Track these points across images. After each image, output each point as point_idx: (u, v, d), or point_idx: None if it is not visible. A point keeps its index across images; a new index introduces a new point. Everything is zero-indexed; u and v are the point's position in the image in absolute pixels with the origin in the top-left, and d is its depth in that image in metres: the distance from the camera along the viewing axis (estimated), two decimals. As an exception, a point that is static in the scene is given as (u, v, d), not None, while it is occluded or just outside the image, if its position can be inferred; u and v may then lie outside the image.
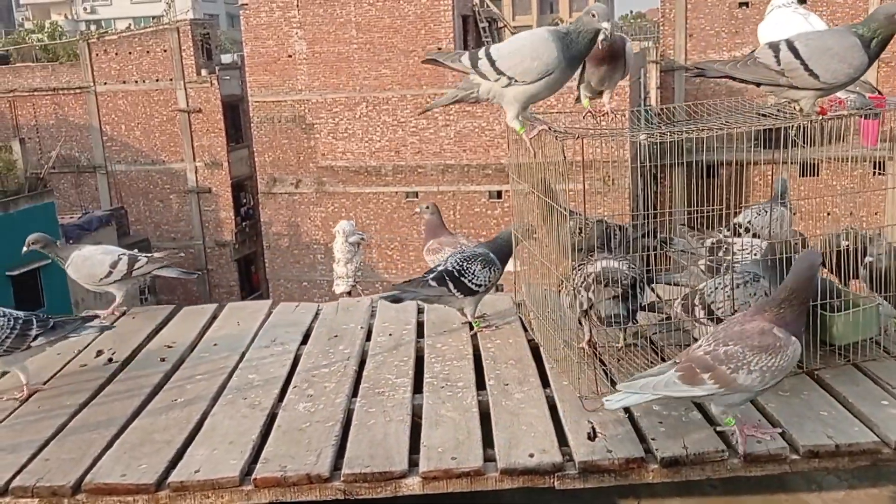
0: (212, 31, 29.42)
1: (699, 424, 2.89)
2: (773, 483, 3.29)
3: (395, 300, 3.87)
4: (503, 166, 24.68)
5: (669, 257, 4.03)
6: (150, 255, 4.59)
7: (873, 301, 3.34)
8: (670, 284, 3.71)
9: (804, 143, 3.23)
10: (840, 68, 2.86)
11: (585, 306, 3.25)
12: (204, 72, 27.44)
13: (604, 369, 3.28)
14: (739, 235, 3.86)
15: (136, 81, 27.80)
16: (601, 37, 2.95)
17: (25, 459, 2.91)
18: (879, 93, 3.63)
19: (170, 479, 2.75)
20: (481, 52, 3.17)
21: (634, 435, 2.85)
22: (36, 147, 27.00)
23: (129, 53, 27.81)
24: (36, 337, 3.47)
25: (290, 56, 25.73)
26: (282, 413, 3.20)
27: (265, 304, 4.53)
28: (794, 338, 2.59)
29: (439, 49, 24.69)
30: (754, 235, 3.89)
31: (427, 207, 4.75)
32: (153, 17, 40.02)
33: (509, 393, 3.24)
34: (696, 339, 3.37)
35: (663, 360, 3.31)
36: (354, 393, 3.37)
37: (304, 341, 4.00)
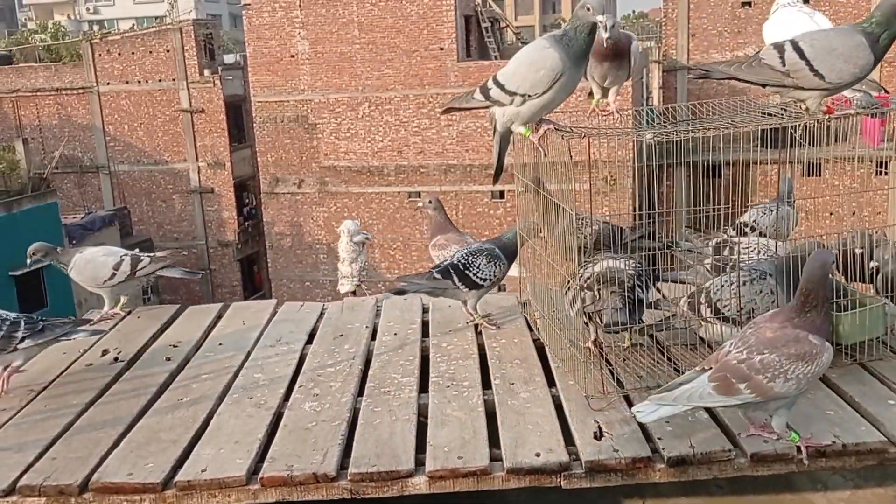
0: (214, 31, 29.43)
1: (706, 424, 2.89)
2: (779, 483, 3.28)
3: (400, 292, 3.94)
4: (506, 166, 24.66)
5: (674, 257, 4.03)
6: (152, 254, 4.58)
7: (880, 301, 3.33)
8: (676, 282, 3.71)
9: (807, 142, 3.23)
10: (845, 68, 2.85)
11: (588, 304, 3.25)
12: (207, 72, 27.45)
13: (609, 369, 3.27)
14: (745, 234, 3.86)
15: (139, 81, 27.83)
16: (605, 34, 2.94)
17: (32, 458, 2.92)
18: (886, 91, 3.62)
19: (176, 479, 2.75)
20: (489, 83, 3.19)
21: (641, 434, 2.85)
22: (39, 147, 27.03)
23: (132, 54, 27.84)
24: (23, 339, 3.45)
25: (292, 56, 25.75)
26: (288, 412, 3.20)
27: (270, 304, 4.53)
28: (827, 343, 2.59)
29: (441, 49, 24.70)
30: (760, 234, 3.89)
31: (430, 202, 4.73)
32: (156, 18, 40.03)
33: (515, 392, 3.24)
34: (701, 339, 3.37)
35: (670, 360, 3.32)
36: (360, 392, 3.37)
37: (310, 341, 4.00)
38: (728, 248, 3.63)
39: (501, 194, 24.36)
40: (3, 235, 18.87)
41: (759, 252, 3.44)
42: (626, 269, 3.23)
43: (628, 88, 21.06)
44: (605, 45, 3.11)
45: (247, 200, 29.37)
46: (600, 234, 3.48)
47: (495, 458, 2.79)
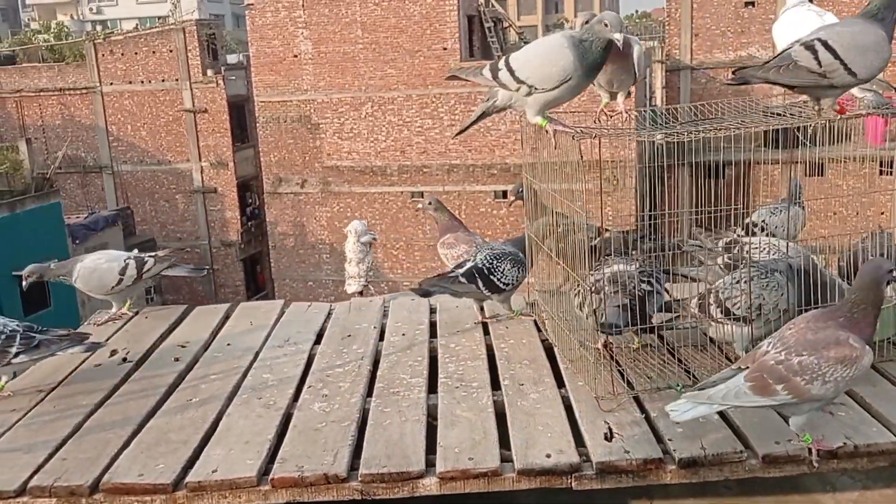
0: (217, 31, 29.44)
1: (717, 425, 2.88)
2: (787, 484, 3.28)
3: (425, 294, 3.96)
4: (508, 166, 24.66)
5: (684, 255, 4.02)
6: (155, 254, 4.56)
7: (890, 301, 3.32)
8: (687, 278, 3.71)
9: (813, 143, 3.22)
10: (874, 63, 2.86)
11: (595, 307, 3.24)
12: (210, 72, 27.47)
13: (619, 370, 3.27)
14: (754, 234, 3.85)
15: (142, 82, 27.86)
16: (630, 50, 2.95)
17: (42, 459, 2.92)
18: (895, 90, 3.61)
19: (187, 479, 2.75)
20: (501, 63, 3.19)
21: (651, 435, 2.85)
22: (42, 147, 27.08)
23: (135, 54, 27.87)
24: (17, 354, 3.43)
25: (295, 56, 25.76)
26: (297, 413, 3.20)
27: (278, 304, 4.53)
28: (868, 347, 2.57)
29: (444, 49, 24.70)
30: (768, 234, 3.88)
31: (430, 203, 4.72)
32: (159, 18, 40.10)
33: (524, 393, 3.24)
34: (712, 340, 3.36)
35: (680, 361, 3.31)
36: (369, 393, 3.37)
37: (318, 341, 4.00)
38: (738, 247, 3.63)
39: (504, 194, 24.34)
40: (7, 236, 18.90)
41: (769, 252, 3.43)
42: (631, 273, 3.22)
43: (632, 89, 21.05)
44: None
45: (250, 200, 29.39)
46: (611, 239, 3.47)
47: (505, 459, 2.79)
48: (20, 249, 18.60)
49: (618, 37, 2.93)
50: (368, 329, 4.09)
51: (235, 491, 2.73)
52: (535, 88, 3.13)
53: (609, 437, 2.84)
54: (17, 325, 3.54)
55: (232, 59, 30.72)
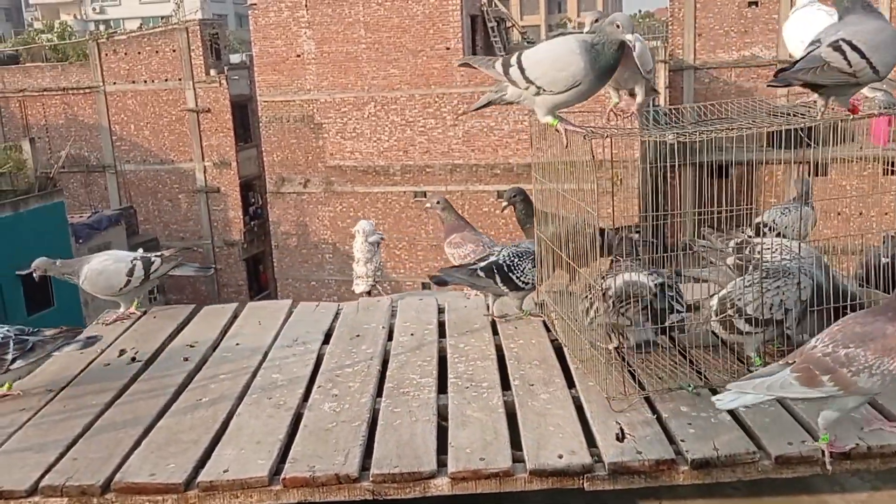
0: (220, 30, 29.46)
1: (729, 426, 2.88)
2: (797, 484, 3.27)
3: (441, 283, 3.97)
4: (511, 166, 24.66)
5: (690, 257, 4.01)
6: (161, 254, 4.55)
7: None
8: (698, 280, 3.70)
9: (818, 143, 3.21)
10: (891, 59, 2.88)
11: (603, 315, 3.22)
12: (213, 72, 27.49)
13: (630, 370, 3.26)
14: (764, 235, 3.84)
15: (146, 81, 27.88)
16: (634, 52, 2.94)
17: (53, 459, 2.91)
18: (906, 91, 3.60)
19: (199, 479, 2.74)
20: (513, 59, 3.17)
21: (663, 436, 2.84)
22: (46, 147, 27.10)
23: (139, 53, 27.90)
24: (14, 360, 3.39)
25: (298, 56, 25.77)
26: (307, 413, 3.19)
27: (285, 304, 4.52)
28: None
29: (447, 49, 24.70)
30: (778, 235, 3.87)
31: (438, 202, 4.71)
32: (162, 17, 40.12)
33: (535, 393, 3.23)
34: (724, 342, 3.35)
35: (691, 362, 3.30)
36: (379, 393, 3.36)
37: (326, 341, 4.00)
38: (749, 248, 3.62)
39: (507, 194, 24.32)
40: (10, 235, 18.91)
41: (780, 252, 3.43)
42: (647, 283, 3.20)
43: (637, 88, 21.02)
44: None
45: (252, 200, 29.42)
46: (622, 239, 3.45)
47: (517, 459, 2.78)
48: (24, 249, 18.59)
49: (630, 37, 2.92)
50: (377, 329, 4.08)
51: (247, 491, 2.73)
52: (544, 90, 3.12)
53: (621, 437, 2.84)
54: (8, 330, 3.48)
55: (235, 58, 30.73)
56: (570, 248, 3.40)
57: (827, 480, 3.34)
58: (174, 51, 27.53)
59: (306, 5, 25.38)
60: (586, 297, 3.36)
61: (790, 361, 2.62)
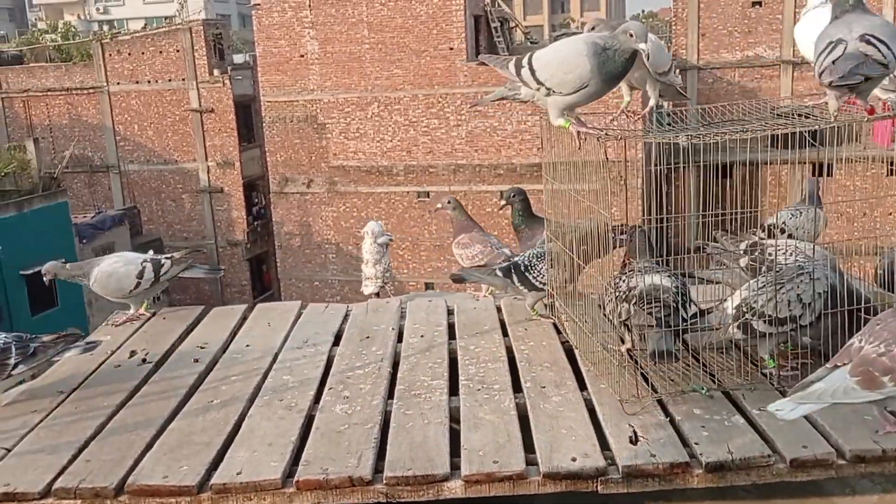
0: (224, 31, 29.50)
1: (743, 429, 2.87)
2: (807, 486, 3.25)
3: (459, 280, 4.14)
4: (515, 166, 24.65)
5: (700, 259, 4.00)
6: (170, 255, 4.55)
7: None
8: (710, 282, 3.69)
9: (820, 143, 3.20)
10: None
11: (626, 318, 3.21)
12: (216, 72, 27.53)
13: (642, 373, 3.25)
14: (775, 237, 3.83)
15: (149, 81, 27.92)
16: (645, 61, 2.93)
17: (66, 461, 2.91)
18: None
19: (212, 481, 2.74)
20: (525, 60, 3.20)
21: (677, 439, 2.83)
22: (49, 147, 27.15)
23: (142, 54, 27.93)
24: (16, 365, 3.41)
25: (302, 56, 25.78)
26: (319, 415, 3.19)
27: (295, 305, 4.52)
28: None
29: (451, 49, 24.70)
30: (789, 236, 3.86)
31: (449, 202, 4.72)
32: (165, 18, 40.16)
33: (547, 396, 3.22)
34: (738, 346, 3.34)
35: (704, 365, 3.29)
36: (390, 395, 3.35)
37: (336, 342, 3.99)
38: (760, 249, 3.61)
39: (510, 194, 24.31)
40: (15, 235, 18.95)
41: (794, 254, 3.42)
42: (669, 288, 3.18)
43: (650, 89, 21.00)
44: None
45: (256, 200, 29.44)
46: (636, 241, 3.44)
47: (529, 462, 2.77)
48: (27, 249, 18.69)
49: (643, 47, 2.92)
50: (387, 330, 4.08)
51: (260, 493, 2.73)
52: (553, 91, 3.14)
53: (634, 440, 2.83)
54: (8, 336, 3.49)
55: (238, 58, 30.78)
56: (585, 250, 3.40)
57: (837, 483, 3.33)
58: (178, 51, 27.56)
59: (310, 5, 25.39)
60: (610, 297, 3.34)
61: (839, 364, 2.59)
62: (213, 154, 28.02)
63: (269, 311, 4.48)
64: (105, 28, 45.90)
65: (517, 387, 3.35)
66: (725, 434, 2.83)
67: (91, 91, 28.31)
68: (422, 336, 3.98)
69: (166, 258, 4.48)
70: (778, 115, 3.28)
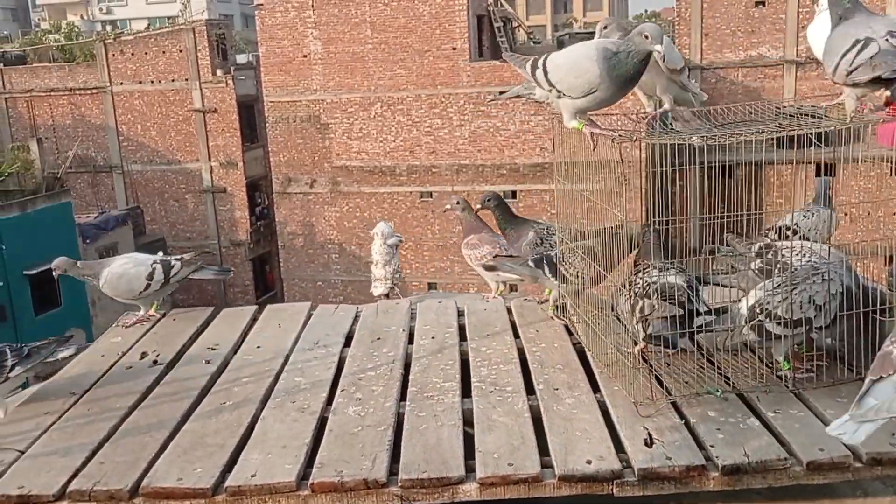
0: (227, 31, 29.53)
1: (758, 432, 2.86)
2: (819, 489, 3.24)
3: (490, 269, 4.25)
4: (518, 166, 24.65)
5: (710, 262, 3.99)
6: (180, 257, 4.54)
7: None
8: (722, 285, 3.67)
9: (824, 143, 3.19)
10: None
11: (647, 313, 3.20)
12: (219, 72, 27.55)
13: (656, 375, 3.24)
14: (786, 238, 3.82)
15: (152, 81, 27.95)
16: (661, 63, 2.93)
17: (80, 463, 2.91)
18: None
19: (226, 484, 2.74)
20: (540, 62, 3.22)
21: (692, 441, 2.82)
22: (53, 147, 27.19)
23: (145, 54, 27.96)
24: (13, 367, 3.43)
25: (305, 56, 25.81)
26: (332, 417, 3.18)
27: (304, 307, 4.51)
28: None
29: (454, 49, 24.70)
30: (801, 237, 3.85)
31: (458, 203, 4.71)
32: (168, 18, 40.19)
33: (560, 398, 3.22)
34: (753, 351, 3.32)
35: (718, 367, 3.27)
36: (402, 397, 3.35)
37: (347, 344, 3.98)
38: (772, 251, 3.59)
39: (514, 194, 24.33)
40: (18, 235, 18.98)
41: (808, 256, 3.40)
42: (683, 286, 3.18)
43: (665, 92, 20.99)
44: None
45: (259, 200, 29.46)
46: (650, 239, 3.43)
47: (544, 464, 2.77)
48: (31, 249, 18.70)
49: (658, 48, 2.91)
50: (397, 332, 4.07)
51: (275, 496, 2.72)
52: (564, 94, 3.15)
53: (649, 443, 2.82)
54: (1, 343, 3.54)
55: (241, 59, 30.77)
56: (603, 252, 3.40)
57: (850, 485, 3.31)
58: (181, 51, 27.58)
59: (313, 6, 25.41)
60: (625, 297, 3.33)
61: (883, 375, 2.53)
62: (216, 154, 28.04)
63: (280, 313, 4.47)
64: (108, 28, 45.93)
65: (530, 389, 3.34)
66: (741, 437, 2.82)
67: (94, 91, 28.34)
68: (433, 337, 3.97)
69: (176, 259, 4.46)
70: (784, 115, 3.27)
